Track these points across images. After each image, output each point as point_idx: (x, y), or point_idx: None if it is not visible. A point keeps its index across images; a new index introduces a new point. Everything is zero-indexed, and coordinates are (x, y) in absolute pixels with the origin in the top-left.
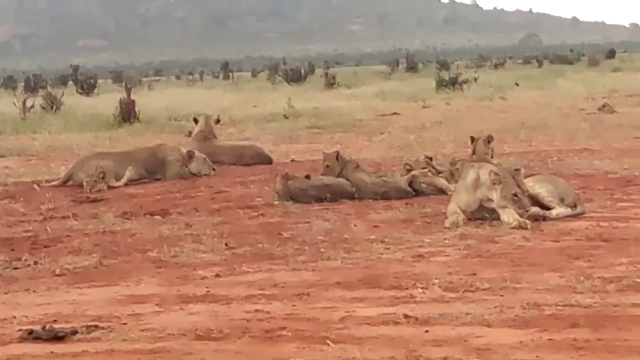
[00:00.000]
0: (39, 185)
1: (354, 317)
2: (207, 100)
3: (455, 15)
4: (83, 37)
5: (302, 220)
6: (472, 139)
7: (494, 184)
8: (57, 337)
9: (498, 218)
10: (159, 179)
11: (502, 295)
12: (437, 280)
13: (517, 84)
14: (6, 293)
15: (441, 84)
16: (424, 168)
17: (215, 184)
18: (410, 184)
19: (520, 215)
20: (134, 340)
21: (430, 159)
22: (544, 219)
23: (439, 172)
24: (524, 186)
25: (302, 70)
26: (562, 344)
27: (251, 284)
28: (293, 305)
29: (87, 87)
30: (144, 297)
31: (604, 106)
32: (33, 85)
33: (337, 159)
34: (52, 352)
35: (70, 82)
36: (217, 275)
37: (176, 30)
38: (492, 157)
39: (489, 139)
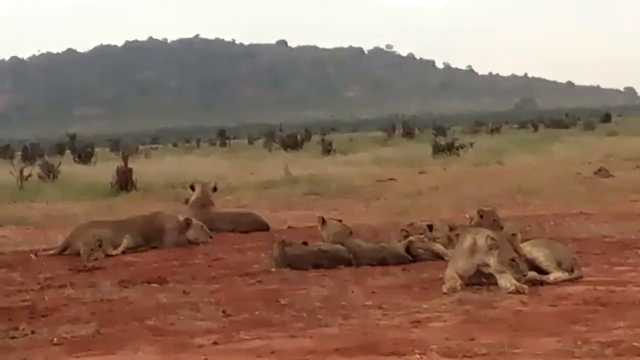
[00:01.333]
0: (36, 254)
1: None
2: (204, 167)
3: (451, 80)
4: (79, 106)
5: (300, 287)
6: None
7: (490, 249)
8: None
9: (495, 283)
10: (156, 247)
11: None
12: (435, 346)
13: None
14: None
15: (438, 150)
16: (421, 234)
17: (212, 251)
18: (407, 250)
19: (518, 280)
20: None
21: (431, 228)
22: (542, 283)
23: (435, 238)
24: (521, 251)
25: (299, 137)
26: None
27: (249, 352)
28: None
29: (84, 155)
30: None
31: (600, 170)
32: (30, 154)
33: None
34: None
35: (68, 151)
36: (215, 343)
37: (172, 99)
38: (501, 229)
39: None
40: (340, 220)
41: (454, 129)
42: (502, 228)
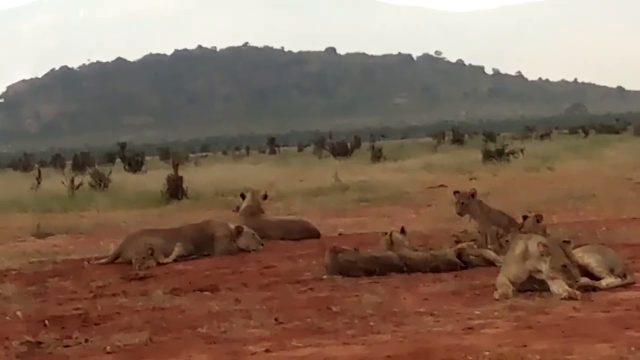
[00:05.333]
0: (88, 263)
1: None
2: (254, 175)
3: (500, 86)
4: (129, 115)
5: (351, 294)
6: (524, 217)
7: (542, 255)
8: None
9: (547, 289)
10: (207, 255)
11: None
12: (487, 353)
13: None
14: None
15: (488, 156)
16: (472, 240)
17: (263, 259)
18: (458, 256)
19: (570, 286)
20: None
21: (402, 230)
22: (594, 289)
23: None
24: (573, 257)
25: (349, 144)
26: None
27: (301, 359)
28: None
29: (134, 164)
30: None
31: None
32: (81, 163)
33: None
34: None
35: (118, 160)
36: (267, 351)
37: (221, 106)
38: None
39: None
40: (402, 231)
41: (503, 135)
42: (544, 232)
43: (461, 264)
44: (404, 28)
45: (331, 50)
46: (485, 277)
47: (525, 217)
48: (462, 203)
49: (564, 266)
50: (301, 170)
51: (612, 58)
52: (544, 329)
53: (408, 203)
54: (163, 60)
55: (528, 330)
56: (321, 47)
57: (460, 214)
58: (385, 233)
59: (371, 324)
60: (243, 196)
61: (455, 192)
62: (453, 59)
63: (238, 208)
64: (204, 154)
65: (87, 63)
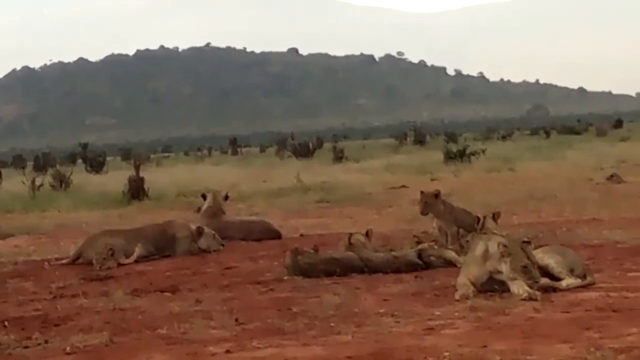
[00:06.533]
0: (49, 264)
1: None
2: (216, 176)
3: (462, 87)
4: (91, 115)
5: (312, 295)
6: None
7: (503, 255)
8: None
9: (508, 290)
10: (168, 256)
11: None
12: (447, 353)
13: None
14: None
15: (449, 157)
16: (432, 241)
17: (224, 259)
18: (419, 257)
19: (530, 287)
20: None
21: (368, 234)
22: (554, 290)
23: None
24: (533, 257)
25: (311, 145)
26: None
27: None
28: None
29: (96, 164)
30: None
31: (612, 176)
32: (42, 163)
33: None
34: None
35: (79, 160)
36: (228, 352)
37: (184, 107)
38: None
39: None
40: (367, 234)
41: (465, 136)
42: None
43: (422, 264)
44: (366, 29)
45: (293, 51)
46: (445, 277)
47: (481, 218)
48: (426, 202)
49: (524, 267)
50: (263, 171)
51: (573, 59)
52: (504, 330)
53: (370, 204)
54: (125, 61)
55: (488, 331)
56: (283, 48)
57: (424, 213)
58: (351, 234)
59: (332, 324)
60: (204, 197)
61: (421, 192)
62: (415, 60)
63: (199, 209)
64: (166, 154)
65: (48, 63)
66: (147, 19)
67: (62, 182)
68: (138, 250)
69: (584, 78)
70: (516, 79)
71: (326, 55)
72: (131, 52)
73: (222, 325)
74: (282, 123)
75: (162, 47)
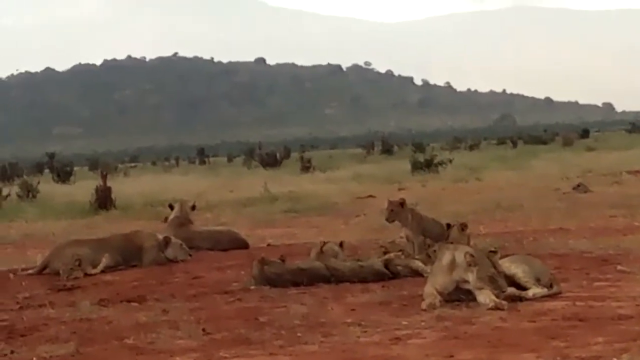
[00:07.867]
0: (15, 274)
1: None
2: (183, 185)
3: (429, 97)
4: (58, 125)
5: (279, 305)
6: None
7: (469, 265)
8: None
9: (475, 299)
10: (135, 266)
11: None
12: None
13: None
14: None
15: (416, 166)
16: (399, 251)
17: (191, 269)
18: (386, 267)
19: (497, 296)
20: None
21: (341, 244)
22: (521, 299)
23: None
24: (499, 267)
25: (278, 155)
26: None
27: None
28: None
29: (63, 174)
30: None
31: (578, 185)
32: (9, 173)
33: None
34: None
35: (47, 170)
36: None
37: (151, 117)
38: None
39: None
40: (341, 245)
41: (432, 146)
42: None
43: (389, 274)
44: (333, 39)
45: (260, 61)
46: (412, 287)
47: (449, 226)
48: (392, 210)
49: (491, 276)
50: (231, 181)
51: (540, 69)
52: (471, 339)
53: (337, 213)
54: (92, 70)
55: (455, 340)
56: (250, 58)
57: (389, 220)
58: (324, 243)
59: (299, 334)
60: (171, 207)
61: (389, 200)
62: (382, 70)
63: (167, 219)
64: (133, 164)
65: (15, 73)
66: (114, 29)
67: (29, 191)
68: (105, 260)
69: (550, 88)
70: (483, 88)
71: (293, 65)
72: (98, 62)
73: (189, 335)
74: (249, 133)
75: (129, 56)
